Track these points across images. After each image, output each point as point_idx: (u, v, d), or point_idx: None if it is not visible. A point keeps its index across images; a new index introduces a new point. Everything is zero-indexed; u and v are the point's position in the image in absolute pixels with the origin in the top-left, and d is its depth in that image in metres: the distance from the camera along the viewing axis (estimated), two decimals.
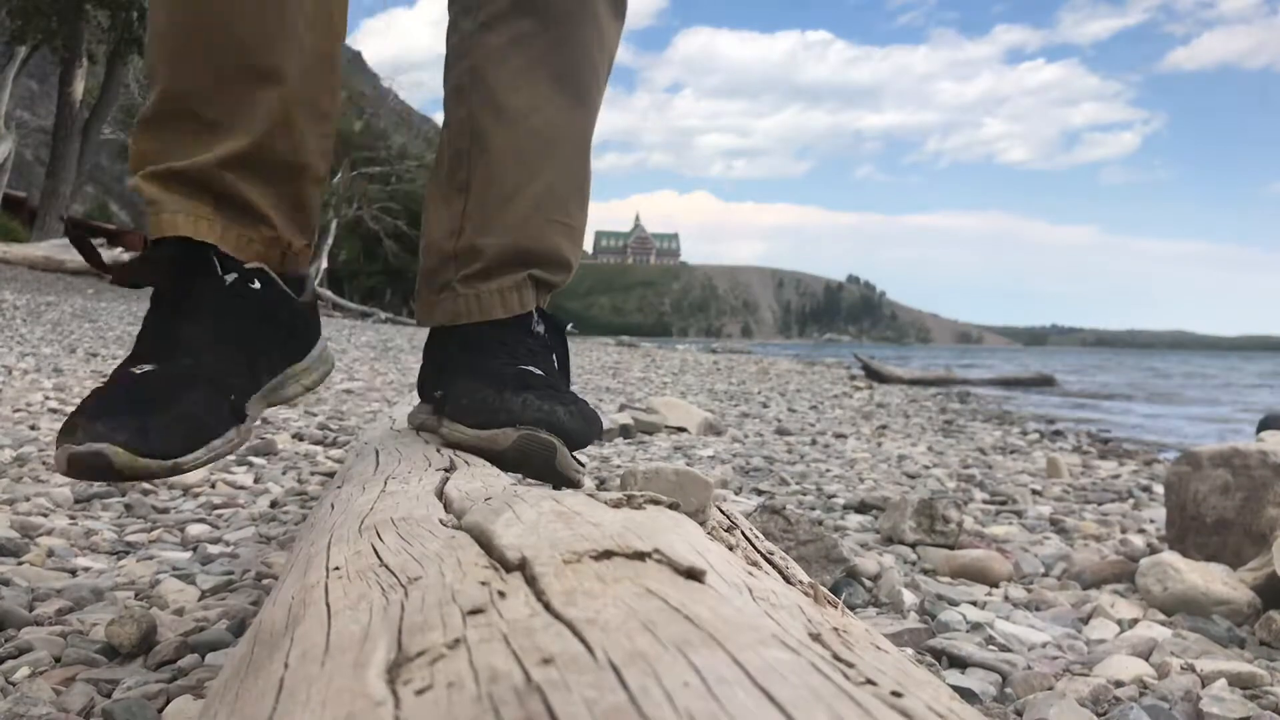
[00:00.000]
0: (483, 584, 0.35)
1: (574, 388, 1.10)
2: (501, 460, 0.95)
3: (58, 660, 1.04)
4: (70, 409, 3.17)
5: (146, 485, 2.02)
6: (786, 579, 1.02)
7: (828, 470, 2.98)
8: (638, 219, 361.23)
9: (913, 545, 1.88)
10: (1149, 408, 9.95)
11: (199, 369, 0.89)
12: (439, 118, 1.25)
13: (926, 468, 3.17)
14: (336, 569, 0.47)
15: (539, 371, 1.02)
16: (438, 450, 1.04)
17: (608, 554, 0.36)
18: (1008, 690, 1.14)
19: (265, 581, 1.37)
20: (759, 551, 1.17)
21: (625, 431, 3.58)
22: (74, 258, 14.21)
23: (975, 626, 1.37)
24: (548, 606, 0.32)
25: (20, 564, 1.39)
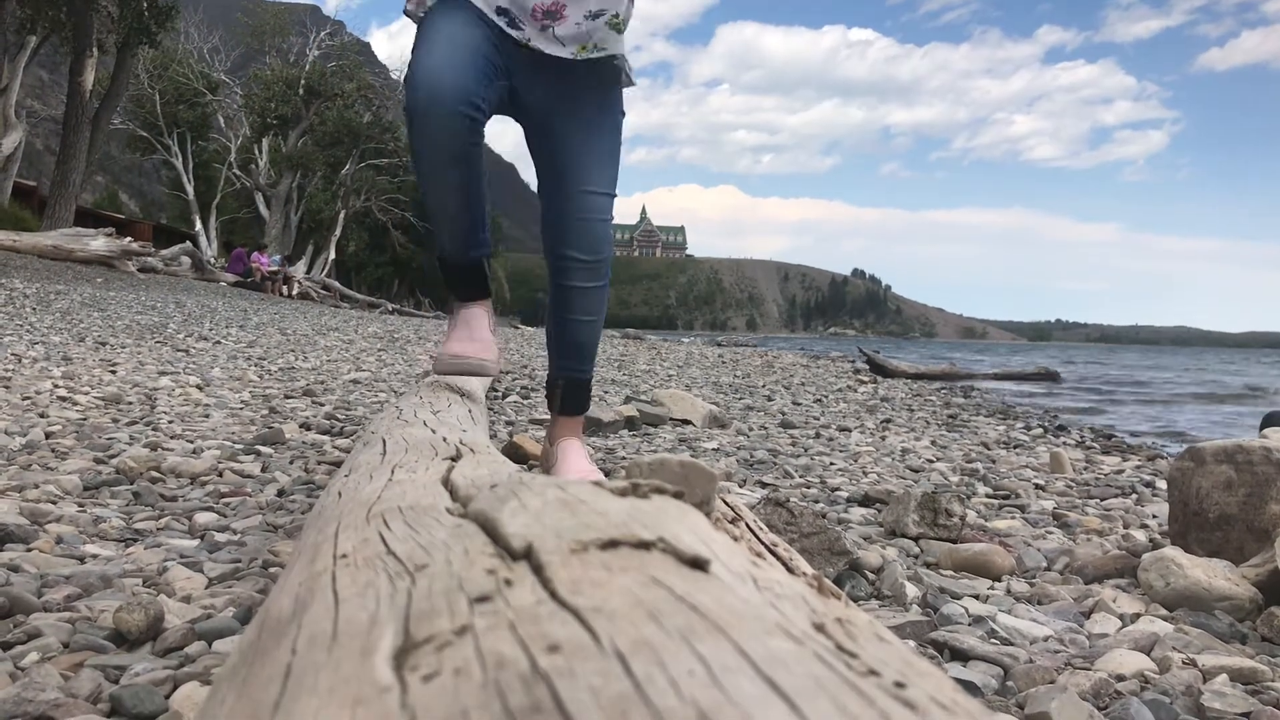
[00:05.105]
0: (489, 572, 0.36)
1: None
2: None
3: (66, 646, 1.04)
4: (78, 397, 3.18)
5: (155, 473, 2.03)
6: (790, 570, 1.02)
7: (831, 464, 2.98)
8: (644, 211, 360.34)
9: (916, 539, 1.88)
10: None
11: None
12: None
13: (930, 462, 3.17)
14: (344, 556, 0.48)
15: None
16: (444, 439, 1.06)
17: (613, 543, 0.36)
18: (1009, 683, 1.14)
19: (272, 569, 1.38)
20: (763, 543, 1.17)
21: (630, 423, 3.58)
22: (83, 246, 14.24)
23: (977, 620, 1.38)
24: (554, 595, 0.32)
25: (29, 550, 1.40)
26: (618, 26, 1.88)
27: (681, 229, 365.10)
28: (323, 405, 3.54)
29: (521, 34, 1.82)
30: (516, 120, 1.99)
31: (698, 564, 0.35)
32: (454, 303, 2.09)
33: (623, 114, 2.00)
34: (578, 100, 1.91)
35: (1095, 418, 7.08)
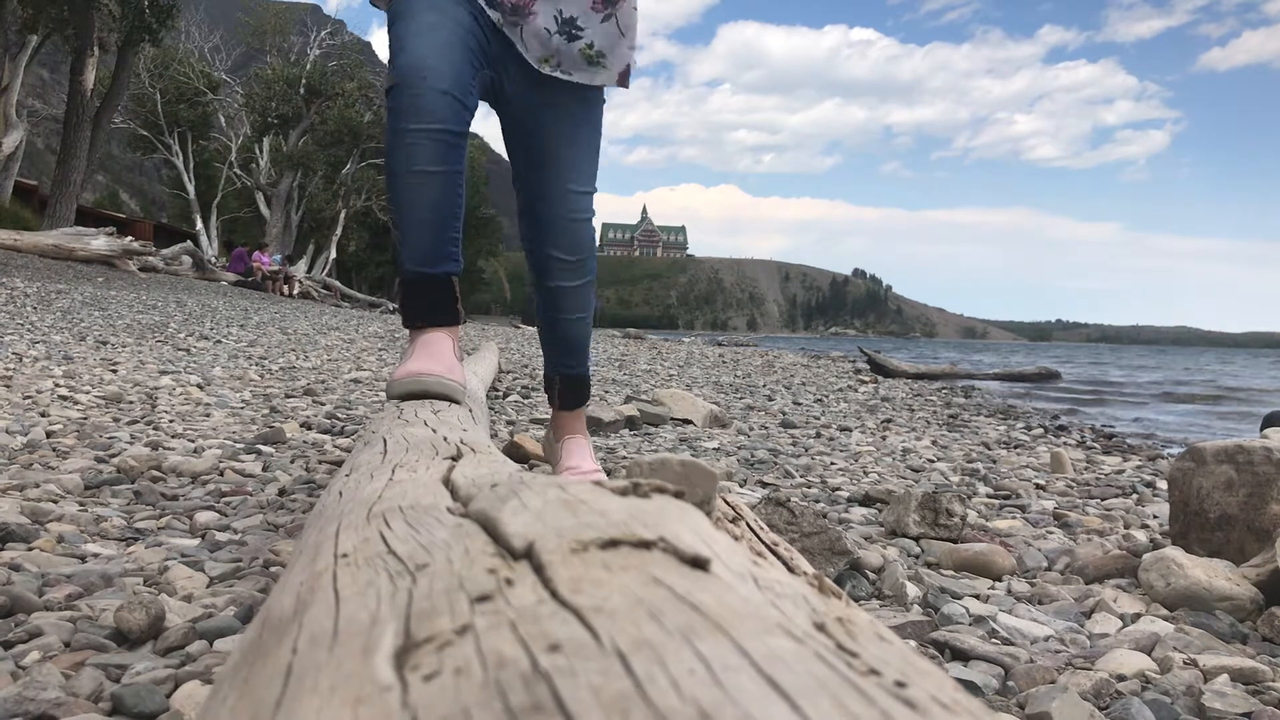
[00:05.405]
0: (490, 571, 0.36)
1: None
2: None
3: (67, 645, 1.04)
4: (79, 396, 3.19)
5: (156, 472, 2.03)
6: (791, 569, 1.02)
7: (832, 463, 2.98)
8: (645, 211, 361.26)
9: (916, 538, 1.88)
10: None
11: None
12: None
13: (930, 461, 3.17)
14: (345, 556, 0.48)
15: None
16: (444, 438, 1.06)
17: (614, 542, 0.36)
18: (1010, 683, 1.14)
19: (273, 569, 1.38)
20: (763, 542, 1.17)
21: (631, 423, 3.58)
22: (84, 245, 14.24)
23: (978, 620, 1.38)
24: (555, 594, 0.32)
25: (30, 549, 1.40)
26: (591, 59, 1.81)
27: (682, 228, 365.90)
28: (323, 404, 3.54)
29: (496, 16, 1.76)
30: (494, 109, 1.92)
31: (698, 563, 0.35)
32: (412, 332, 1.74)
33: (603, 101, 1.94)
34: (560, 93, 1.85)
35: (1095, 419, 7.08)
